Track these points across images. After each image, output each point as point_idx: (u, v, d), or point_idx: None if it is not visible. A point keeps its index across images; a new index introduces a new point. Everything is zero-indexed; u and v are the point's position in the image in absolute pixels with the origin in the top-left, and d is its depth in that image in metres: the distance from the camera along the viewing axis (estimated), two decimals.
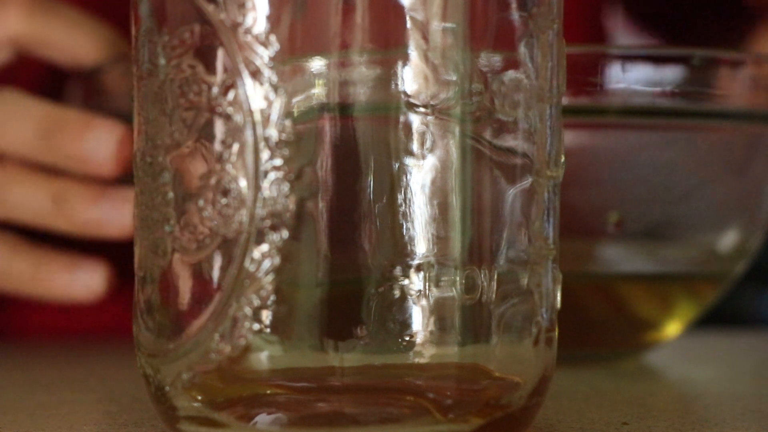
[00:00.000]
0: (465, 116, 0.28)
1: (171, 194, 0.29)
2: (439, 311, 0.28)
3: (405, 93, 0.28)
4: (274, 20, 0.27)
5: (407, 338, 0.28)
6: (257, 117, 0.28)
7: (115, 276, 0.49)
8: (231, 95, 0.28)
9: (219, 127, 0.28)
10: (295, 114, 0.28)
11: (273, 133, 0.27)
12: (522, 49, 0.29)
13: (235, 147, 0.28)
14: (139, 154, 0.30)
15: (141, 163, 0.30)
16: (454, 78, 0.28)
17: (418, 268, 0.28)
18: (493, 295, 0.29)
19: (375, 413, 0.28)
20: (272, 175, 0.27)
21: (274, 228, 0.27)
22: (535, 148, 0.29)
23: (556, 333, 0.31)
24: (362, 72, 0.28)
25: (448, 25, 0.28)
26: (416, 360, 0.28)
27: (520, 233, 0.29)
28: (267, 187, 0.27)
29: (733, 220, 0.47)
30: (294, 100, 0.27)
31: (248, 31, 0.27)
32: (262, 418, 0.28)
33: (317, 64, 0.28)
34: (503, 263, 0.29)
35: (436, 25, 0.28)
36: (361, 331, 0.28)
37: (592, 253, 0.45)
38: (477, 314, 0.28)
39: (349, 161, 0.28)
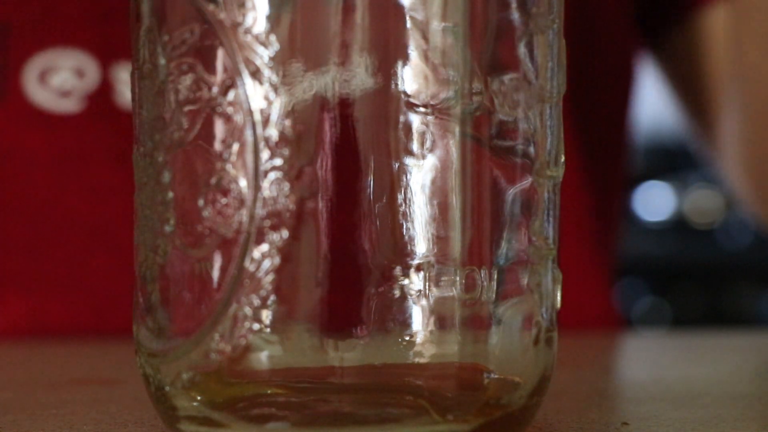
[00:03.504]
0: (465, 116, 0.28)
1: (171, 194, 0.29)
2: (439, 311, 0.28)
3: (405, 93, 0.28)
4: (274, 20, 0.27)
5: (407, 338, 0.28)
6: (257, 117, 0.28)
7: None
8: (231, 95, 0.28)
9: (219, 127, 0.28)
10: (295, 114, 0.27)
11: (273, 132, 0.27)
12: (522, 49, 0.29)
13: (235, 147, 0.28)
14: (139, 154, 0.30)
15: (141, 163, 0.30)
16: (454, 78, 0.28)
17: (418, 268, 0.28)
18: (493, 295, 0.29)
19: (375, 413, 0.28)
20: (272, 175, 0.27)
21: (274, 228, 0.27)
22: (535, 148, 0.29)
23: (556, 333, 0.31)
24: (362, 72, 0.28)
25: (448, 25, 0.28)
26: (416, 360, 0.28)
27: (520, 233, 0.29)
28: (267, 187, 0.27)
29: None
30: (294, 99, 0.27)
31: (248, 30, 0.27)
32: (265, 419, 0.28)
33: (317, 64, 0.28)
34: (503, 263, 0.29)
35: (436, 25, 0.28)
36: (361, 331, 0.28)
37: None
38: (477, 314, 0.28)
39: (349, 161, 0.28)
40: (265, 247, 0.28)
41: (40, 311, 0.57)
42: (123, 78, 0.55)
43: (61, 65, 0.55)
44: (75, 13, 0.56)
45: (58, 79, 0.55)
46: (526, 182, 0.29)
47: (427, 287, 0.28)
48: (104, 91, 0.56)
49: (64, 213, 0.56)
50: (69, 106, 0.56)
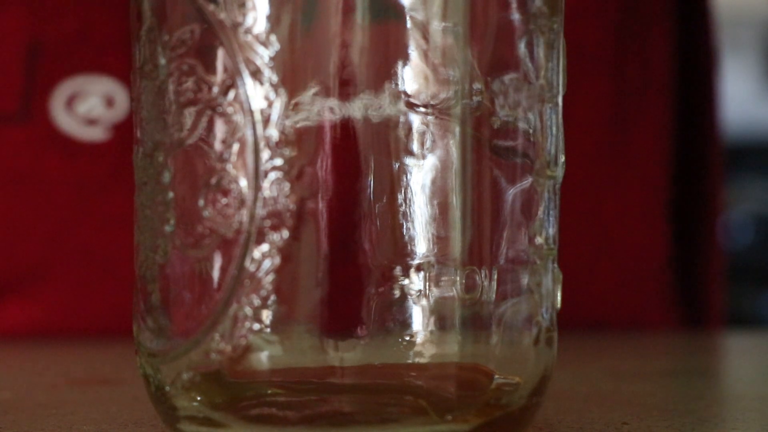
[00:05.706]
0: (465, 116, 0.28)
1: (171, 194, 0.29)
2: (439, 311, 0.28)
3: (405, 93, 0.28)
4: (274, 20, 0.27)
5: (407, 338, 0.28)
6: (257, 117, 0.28)
7: None
8: (231, 95, 0.28)
9: (219, 127, 0.28)
10: (296, 114, 0.28)
11: (273, 132, 0.27)
12: (522, 49, 0.29)
13: (235, 147, 0.28)
14: (139, 154, 0.30)
15: (141, 163, 0.30)
16: (454, 78, 0.28)
17: (418, 268, 0.28)
18: (493, 295, 0.29)
19: (374, 413, 0.28)
20: (272, 175, 0.27)
21: (274, 228, 0.27)
22: (535, 148, 0.29)
23: (556, 333, 0.31)
24: (362, 72, 0.28)
25: (448, 25, 0.28)
26: (416, 360, 0.28)
27: (520, 233, 0.29)
28: (267, 187, 0.27)
29: None
30: (294, 100, 0.27)
31: (248, 30, 0.27)
32: (265, 419, 0.28)
33: (317, 64, 0.28)
34: (503, 263, 0.29)
35: (436, 25, 0.28)
36: (361, 331, 0.28)
37: None
38: (477, 314, 0.28)
39: (349, 161, 0.28)
40: (265, 247, 0.28)
41: (42, 329, 0.56)
42: None
43: (90, 91, 0.54)
44: (108, 37, 0.54)
45: (85, 106, 0.54)
46: (526, 182, 0.29)
47: (427, 287, 0.28)
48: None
49: (76, 241, 0.55)
50: (95, 134, 0.54)
